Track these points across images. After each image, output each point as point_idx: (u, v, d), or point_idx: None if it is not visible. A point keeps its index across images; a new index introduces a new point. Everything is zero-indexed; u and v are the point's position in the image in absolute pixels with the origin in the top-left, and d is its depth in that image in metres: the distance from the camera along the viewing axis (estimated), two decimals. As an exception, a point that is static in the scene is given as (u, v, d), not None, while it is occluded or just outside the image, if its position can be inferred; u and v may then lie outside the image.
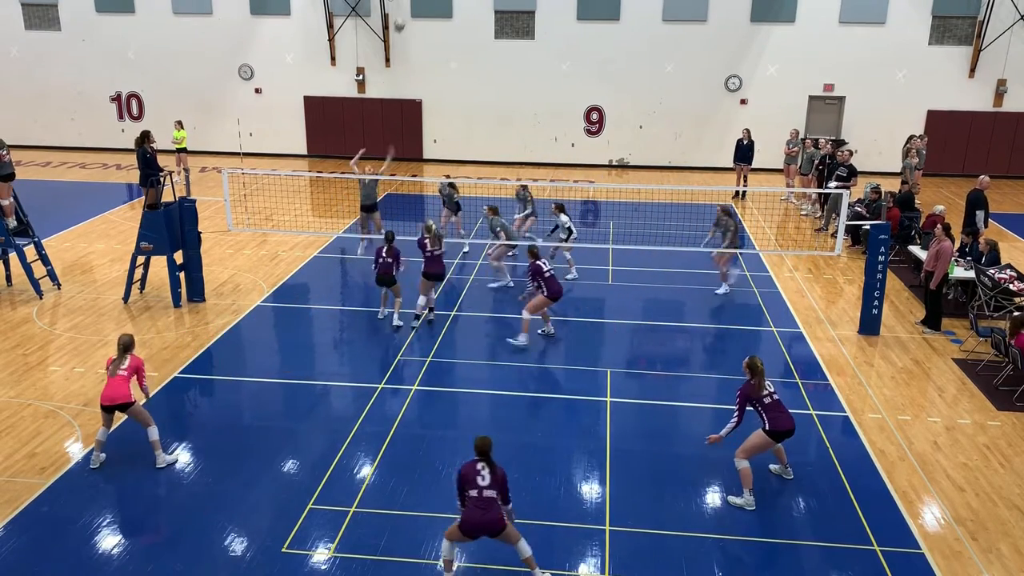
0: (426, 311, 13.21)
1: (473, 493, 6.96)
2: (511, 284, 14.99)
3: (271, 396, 10.96)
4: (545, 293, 12.18)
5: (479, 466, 7.02)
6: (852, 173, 18.41)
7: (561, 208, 15.56)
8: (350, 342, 12.95)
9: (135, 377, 9.05)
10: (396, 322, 13.02)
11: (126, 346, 9.09)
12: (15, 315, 13.49)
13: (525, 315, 12.26)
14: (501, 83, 26.44)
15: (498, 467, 7.10)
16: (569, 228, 15.29)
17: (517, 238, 15.44)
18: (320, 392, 11.09)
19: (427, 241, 12.95)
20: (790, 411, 8.58)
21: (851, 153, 19.48)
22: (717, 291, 14.83)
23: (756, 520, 8.32)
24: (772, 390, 8.52)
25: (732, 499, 8.57)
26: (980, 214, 15.47)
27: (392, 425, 10.06)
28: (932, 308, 13.22)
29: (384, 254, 12.85)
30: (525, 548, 7.24)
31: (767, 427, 8.39)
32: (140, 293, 14.32)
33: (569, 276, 15.45)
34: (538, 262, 12.27)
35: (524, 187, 17.02)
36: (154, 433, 9.15)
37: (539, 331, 12.72)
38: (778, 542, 8.00)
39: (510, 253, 15.41)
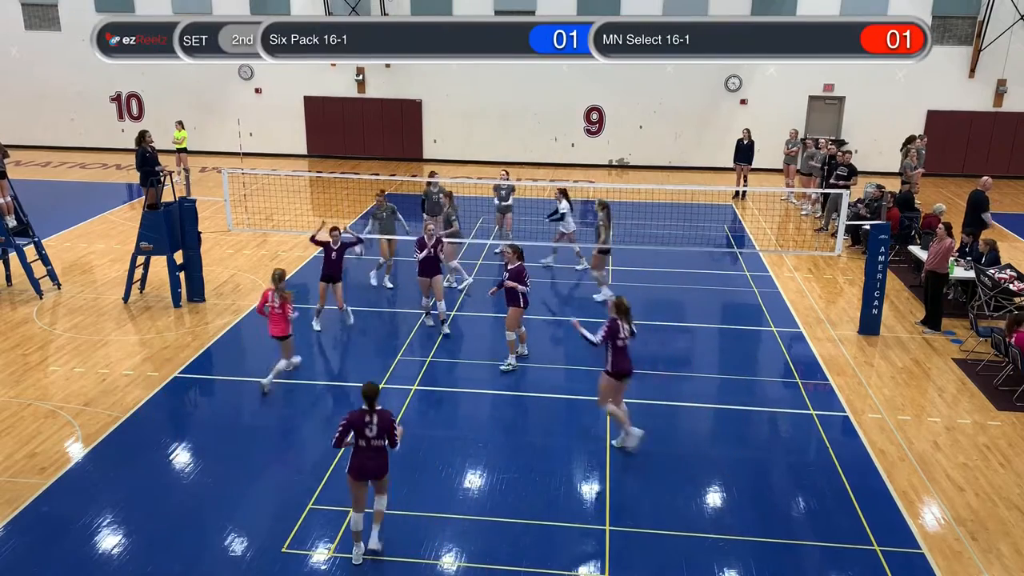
0: (435, 313, 12.98)
1: (362, 443, 7.30)
2: (471, 281, 14.86)
3: (271, 396, 10.95)
4: (524, 304, 11.47)
5: (367, 418, 7.26)
6: (852, 173, 18.41)
7: (564, 194, 15.61)
8: (350, 342, 12.94)
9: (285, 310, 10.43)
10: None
11: (280, 276, 10.48)
12: (15, 315, 13.49)
13: (510, 335, 11.57)
14: (501, 83, 26.43)
15: (384, 412, 7.36)
16: (562, 214, 15.36)
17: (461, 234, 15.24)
18: (320, 392, 11.09)
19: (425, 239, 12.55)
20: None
21: (850, 153, 19.50)
22: (596, 297, 14.24)
23: (756, 520, 8.32)
24: (626, 336, 9.22)
25: (616, 442, 9.52)
26: (988, 215, 15.49)
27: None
28: (932, 308, 13.22)
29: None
30: (383, 503, 7.67)
31: (609, 368, 9.17)
32: (140, 293, 14.32)
33: (579, 267, 15.95)
34: (524, 264, 11.54)
35: (506, 173, 16.47)
36: (287, 365, 10.73)
37: (517, 350, 11.84)
38: (778, 542, 8.00)
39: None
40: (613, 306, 9.34)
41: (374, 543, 7.63)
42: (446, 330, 12.74)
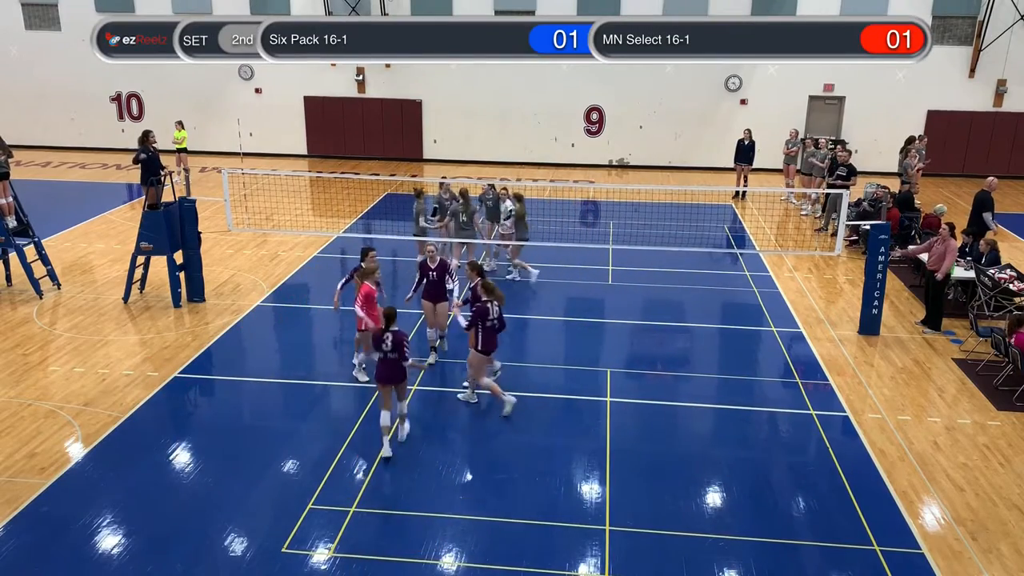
0: (437, 341, 11.89)
1: (381, 355, 9.03)
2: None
3: (271, 396, 10.96)
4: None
5: (385, 335, 8.98)
6: (852, 173, 18.42)
7: (506, 192, 15.63)
8: (350, 342, 12.87)
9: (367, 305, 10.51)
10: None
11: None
12: (15, 315, 13.49)
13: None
14: (501, 83, 26.43)
15: (399, 332, 9.02)
16: (511, 212, 15.18)
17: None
18: (320, 392, 11.09)
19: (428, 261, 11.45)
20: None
21: (850, 153, 19.50)
22: (530, 280, 14.83)
23: (756, 520, 8.32)
24: (496, 316, 9.97)
25: (460, 395, 10.59)
26: (988, 215, 15.48)
27: (392, 425, 10.05)
28: (932, 308, 13.22)
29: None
30: (403, 407, 9.44)
31: (479, 347, 9.95)
32: (140, 293, 14.32)
33: (488, 268, 15.37)
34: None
35: (491, 187, 15.73)
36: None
37: (459, 397, 10.86)
38: (778, 542, 8.00)
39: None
40: (483, 288, 10.08)
41: (402, 436, 9.51)
42: (444, 347, 11.94)
